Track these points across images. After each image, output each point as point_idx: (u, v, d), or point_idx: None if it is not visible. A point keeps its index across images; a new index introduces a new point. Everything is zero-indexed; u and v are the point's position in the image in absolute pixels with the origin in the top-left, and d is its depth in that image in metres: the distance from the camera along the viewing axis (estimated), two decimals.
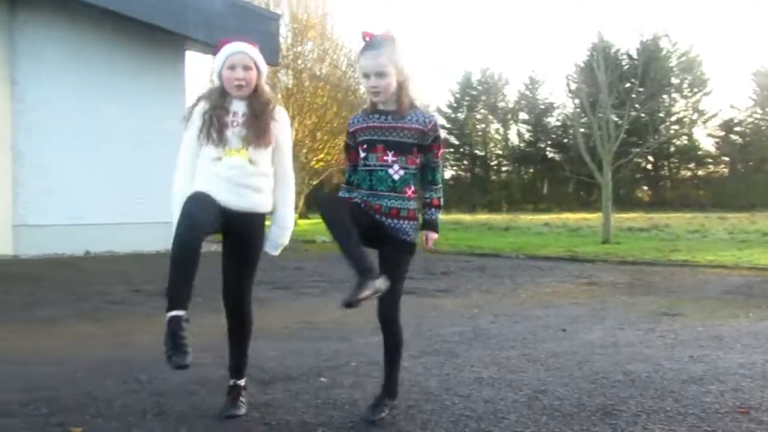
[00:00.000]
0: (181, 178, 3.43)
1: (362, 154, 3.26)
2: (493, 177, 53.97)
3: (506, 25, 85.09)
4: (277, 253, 3.57)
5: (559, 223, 23.68)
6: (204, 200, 3.22)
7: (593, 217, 25.07)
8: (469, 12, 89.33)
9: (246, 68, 3.37)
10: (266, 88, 3.50)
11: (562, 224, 23.30)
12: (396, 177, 3.21)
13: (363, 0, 55.65)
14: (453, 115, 55.08)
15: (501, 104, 54.35)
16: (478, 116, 55.05)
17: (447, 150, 55.00)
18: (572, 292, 8.27)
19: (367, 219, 3.22)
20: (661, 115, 42.86)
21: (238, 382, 3.56)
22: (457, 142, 54.49)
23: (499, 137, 54.98)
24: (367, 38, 3.23)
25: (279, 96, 30.24)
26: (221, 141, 3.31)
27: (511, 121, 54.15)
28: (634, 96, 20.84)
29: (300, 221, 31.73)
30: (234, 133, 3.34)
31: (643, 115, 20.09)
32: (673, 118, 45.33)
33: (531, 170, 53.30)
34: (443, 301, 7.53)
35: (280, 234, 3.55)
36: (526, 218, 28.48)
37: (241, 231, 3.38)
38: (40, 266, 10.94)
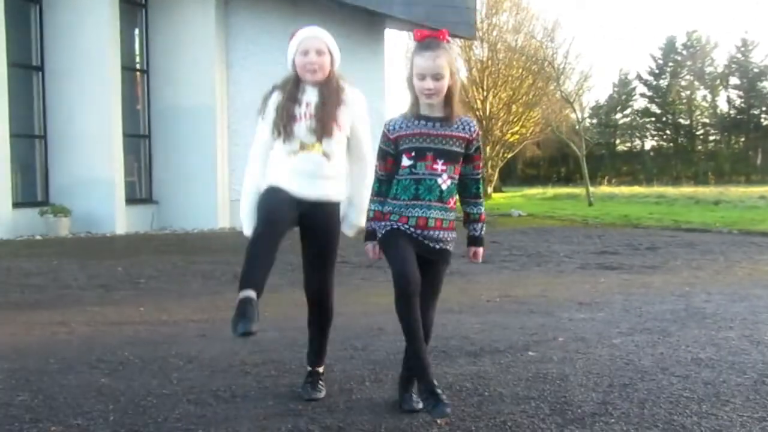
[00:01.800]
0: (253, 174, 3.38)
1: (407, 162, 3.12)
2: (699, 147, 50.73)
3: None
4: (353, 234, 3.49)
5: None
6: (279, 196, 3.20)
7: None
8: None
9: (319, 53, 3.30)
10: (338, 74, 3.39)
11: None
12: (444, 187, 3.10)
13: None
14: (654, 83, 52.35)
15: (709, 69, 50.87)
16: (683, 83, 51.87)
17: (648, 119, 52.47)
18: None
19: (416, 246, 3.12)
20: None
21: (318, 369, 3.47)
22: (658, 111, 51.78)
23: (706, 104, 51.55)
24: (421, 37, 3.09)
25: (473, 70, 30.24)
26: (289, 135, 3.24)
27: (720, 87, 50.55)
28: None
29: (494, 195, 31.70)
30: (307, 126, 3.25)
31: None
32: None
33: (742, 139, 49.57)
34: (651, 278, 7.23)
35: (356, 215, 3.45)
36: (737, 191, 26.45)
37: (317, 221, 3.31)
38: None
